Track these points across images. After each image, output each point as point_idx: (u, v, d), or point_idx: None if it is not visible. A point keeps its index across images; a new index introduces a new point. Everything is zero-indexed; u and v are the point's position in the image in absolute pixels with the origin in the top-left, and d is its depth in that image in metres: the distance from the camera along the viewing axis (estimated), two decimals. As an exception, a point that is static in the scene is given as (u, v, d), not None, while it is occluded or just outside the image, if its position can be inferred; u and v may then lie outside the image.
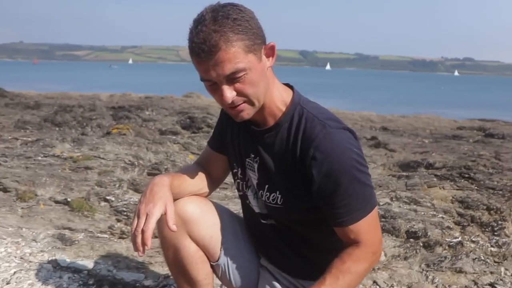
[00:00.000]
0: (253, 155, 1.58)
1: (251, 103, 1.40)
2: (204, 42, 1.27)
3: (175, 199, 1.55)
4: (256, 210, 1.66)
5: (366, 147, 6.32)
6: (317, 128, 1.41)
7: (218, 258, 1.71)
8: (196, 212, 1.63)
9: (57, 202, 3.41)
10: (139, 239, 1.40)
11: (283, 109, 1.49)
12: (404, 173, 4.47)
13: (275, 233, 1.65)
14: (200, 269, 1.69)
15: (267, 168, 1.53)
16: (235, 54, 1.29)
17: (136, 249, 1.41)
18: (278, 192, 1.52)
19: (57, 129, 7.18)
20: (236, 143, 1.64)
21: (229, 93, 1.34)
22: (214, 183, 1.77)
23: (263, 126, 1.52)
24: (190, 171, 1.70)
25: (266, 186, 1.55)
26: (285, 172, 1.48)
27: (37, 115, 8.08)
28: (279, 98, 1.48)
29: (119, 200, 3.37)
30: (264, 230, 1.68)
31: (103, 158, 4.32)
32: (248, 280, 1.78)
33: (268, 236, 1.68)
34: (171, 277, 2.18)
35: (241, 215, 1.84)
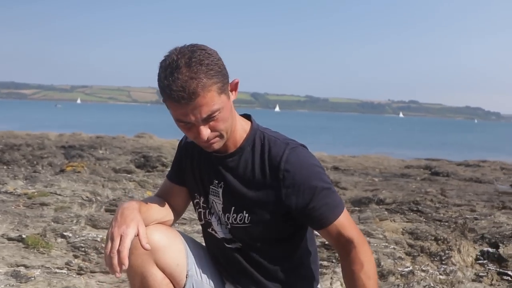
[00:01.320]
0: (216, 181, 1.67)
1: (222, 136, 1.53)
2: (183, 90, 1.38)
3: None
4: (220, 235, 1.72)
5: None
6: (281, 146, 1.58)
7: (184, 286, 1.75)
8: (163, 240, 1.68)
9: (10, 239, 3.32)
10: (115, 260, 1.43)
11: (244, 135, 1.63)
12: (357, 208, 4.63)
13: (241, 256, 1.72)
14: (167, 297, 1.72)
15: (233, 191, 1.63)
16: (211, 98, 1.41)
17: (113, 271, 1.43)
18: (245, 212, 1.62)
19: (5, 167, 6.99)
20: (198, 173, 1.73)
21: (205, 132, 1.47)
22: (175, 214, 1.83)
23: (225, 153, 1.64)
24: (154, 200, 1.76)
25: (232, 208, 1.64)
26: (251, 191, 1.60)
27: (-18, 153, 7.85)
28: (240, 127, 1.63)
29: (77, 236, 3.33)
30: (229, 256, 1.74)
31: (59, 195, 4.26)
32: (213, 307, 1.82)
33: (234, 261, 1.74)
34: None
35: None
